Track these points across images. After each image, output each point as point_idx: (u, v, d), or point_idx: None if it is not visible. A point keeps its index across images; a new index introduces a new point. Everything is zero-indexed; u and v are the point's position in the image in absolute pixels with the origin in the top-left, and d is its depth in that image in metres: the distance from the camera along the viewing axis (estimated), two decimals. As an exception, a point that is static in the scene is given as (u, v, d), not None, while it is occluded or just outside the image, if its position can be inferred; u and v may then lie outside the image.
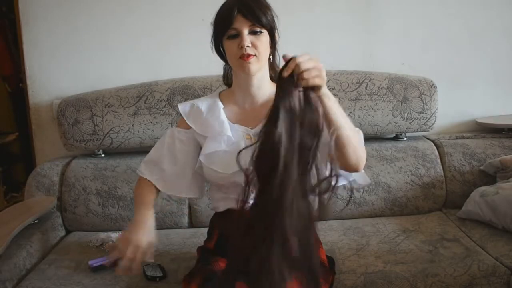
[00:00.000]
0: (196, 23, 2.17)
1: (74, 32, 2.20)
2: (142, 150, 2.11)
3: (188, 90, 2.04)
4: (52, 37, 2.20)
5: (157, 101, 2.05)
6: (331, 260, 1.50)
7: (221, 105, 1.43)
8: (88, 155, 2.16)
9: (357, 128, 1.30)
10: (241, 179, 1.27)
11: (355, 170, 1.26)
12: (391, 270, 1.53)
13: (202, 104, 1.46)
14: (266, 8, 1.32)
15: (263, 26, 1.30)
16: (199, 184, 1.48)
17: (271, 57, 1.39)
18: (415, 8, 2.24)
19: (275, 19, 1.34)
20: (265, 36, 1.32)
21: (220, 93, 1.50)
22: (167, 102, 2.05)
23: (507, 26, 2.26)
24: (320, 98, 1.13)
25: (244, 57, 1.30)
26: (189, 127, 1.45)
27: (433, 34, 2.25)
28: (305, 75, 1.08)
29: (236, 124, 1.40)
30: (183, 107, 1.48)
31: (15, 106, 3.32)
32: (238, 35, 1.30)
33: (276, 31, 1.35)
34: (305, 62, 1.09)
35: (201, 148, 1.43)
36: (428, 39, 2.25)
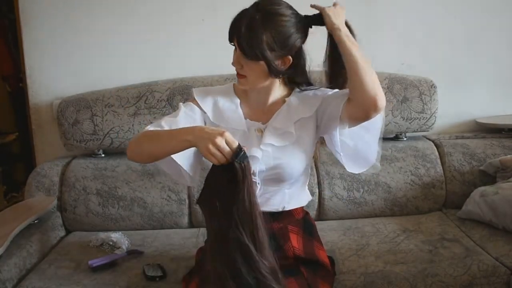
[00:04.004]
0: (197, 23, 2.17)
1: (74, 32, 2.20)
2: (142, 150, 2.11)
3: (188, 90, 2.04)
4: (52, 37, 2.20)
5: (157, 101, 2.05)
6: (331, 260, 1.50)
7: (238, 100, 1.42)
8: (88, 155, 2.16)
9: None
10: None
11: (374, 102, 1.23)
12: (391, 270, 1.53)
13: (218, 93, 1.43)
14: (258, 39, 1.23)
15: (248, 58, 1.26)
16: (196, 165, 1.36)
17: (278, 80, 1.36)
18: (415, 8, 2.24)
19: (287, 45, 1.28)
20: (255, 65, 1.27)
21: (234, 84, 1.47)
22: (167, 102, 2.05)
23: (506, 27, 2.26)
24: (336, 37, 1.27)
25: (236, 71, 1.32)
26: (201, 108, 1.41)
27: (433, 34, 2.25)
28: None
29: (247, 119, 1.39)
30: (197, 91, 1.44)
31: (15, 106, 3.32)
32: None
33: (284, 58, 1.29)
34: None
35: None
36: (428, 39, 2.25)
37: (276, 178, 1.35)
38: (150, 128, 1.32)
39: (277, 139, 1.34)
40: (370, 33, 2.24)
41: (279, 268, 1.19)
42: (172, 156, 1.25)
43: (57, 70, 2.23)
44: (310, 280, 1.32)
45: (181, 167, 1.29)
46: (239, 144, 1.12)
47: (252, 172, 1.25)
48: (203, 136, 1.11)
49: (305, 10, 1.32)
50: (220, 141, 1.09)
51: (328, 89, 1.39)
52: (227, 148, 1.10)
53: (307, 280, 1.31)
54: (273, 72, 1.30)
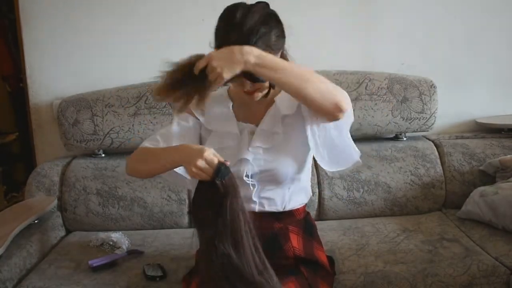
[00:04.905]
0: (197, 24, 2.17)
1: (74, 32, 2.20)
2: (142, 150, 2.11)
3: (188, 90, 2.04)
4: (52, 37, 2.20)
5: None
6: (331, 260, 1.50)
7: (230, 103, 1.42)
8: (88, 155, 2.16)
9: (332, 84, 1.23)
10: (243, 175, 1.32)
11: (333, 110, 1.19)
12: (391, 270, 1.54)
13: (211, 99, 1.43)
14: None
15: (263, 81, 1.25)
16: None
17: None
18: (415, 8, 2.24)
19: (281, 40, 1.26)
20: None
21: (228, 88, 1.47)
22: (167, 102, 2.05)
23: (506, 26, 2.26)
24: (254, 71, 1.13)
25: (248, 93, 1.29)
26: (194, 116, 1.42)
27: (433, 34, 2.25)
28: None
29: (240, 122, 1.40)
30: None
31: (15, 106, 3.32)
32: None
33: (279, 54, 1.28)
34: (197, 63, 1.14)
35: (199, 138, 1.43)
36: (428, 39, 2.25)
37: (272, 179, 1.36)
38: (145, 144, 1.37)
39: (265, 141, 1.34)
40: (370, 33, 2.24)
41: (279, 269, 1.20)
42: None
43: (57, 70, 2.23)
44: (311, 279, 1.32)
45: (181, 174, 1.34)
46: (219, 161, 1.14)
47: (245, 175, 1.30)
48: (185, 159, 1.17)
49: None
50: (200, 163, 1.13)
51: None
52: (208, 167, 1.13)
53: (307, 279, 1.31)
54: None
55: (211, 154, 1.15)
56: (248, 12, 1.21)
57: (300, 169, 1.39)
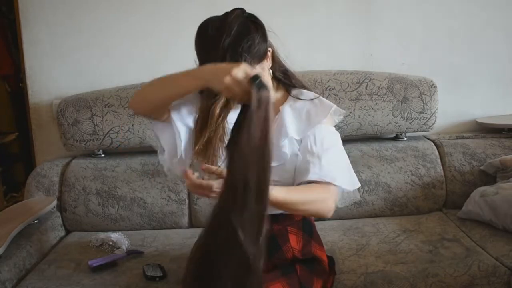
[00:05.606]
0: (196, 23, 2.15)
1: (74, 32, 2.20)
2: (142, 150, 2.11)
3: (188, 90, 2.04)
4: (52, 37, 2.20)
5: (157, 101, 2.05)
6: (331, 260, 1.50)
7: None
8: (88, 155, 2.16)
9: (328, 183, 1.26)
10: None
11: (319, 217, 1.36)
12: (391, 270, 1.53)
13: None
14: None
15: None
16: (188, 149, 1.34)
17: (270, 71, 1.32)
18: (415, 8, 2.24)
19: (264, 44, 1.24)
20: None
21: None
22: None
23: (507, 26, 2.26)
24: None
25: None
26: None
27: (433, 34, 2.25)
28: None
29: None
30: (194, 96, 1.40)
31: (15, 106, 3.33)
32: None
33: (267, 57, 1.27)
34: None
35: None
36: (428, 39, 2.25)
37: None
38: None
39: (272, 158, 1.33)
40: (370, 33, 2.24)
41: (273, 268, 1.23)
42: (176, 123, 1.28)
43: (57, 70, 2.23)
44: (304, 277, 1.31)
45: (179, 135, 1.29)
46: (257, 74, 1.04)
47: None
48: (215, 72, 1.08)
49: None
50: (238, 72, 1.03)
51: (323, 104, 1.34)
52: (243, 80, 1.04)
53: (299, 277, 1.31)
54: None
55: (246, 68, 1.05)
56: (224, 26, 1.18)
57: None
